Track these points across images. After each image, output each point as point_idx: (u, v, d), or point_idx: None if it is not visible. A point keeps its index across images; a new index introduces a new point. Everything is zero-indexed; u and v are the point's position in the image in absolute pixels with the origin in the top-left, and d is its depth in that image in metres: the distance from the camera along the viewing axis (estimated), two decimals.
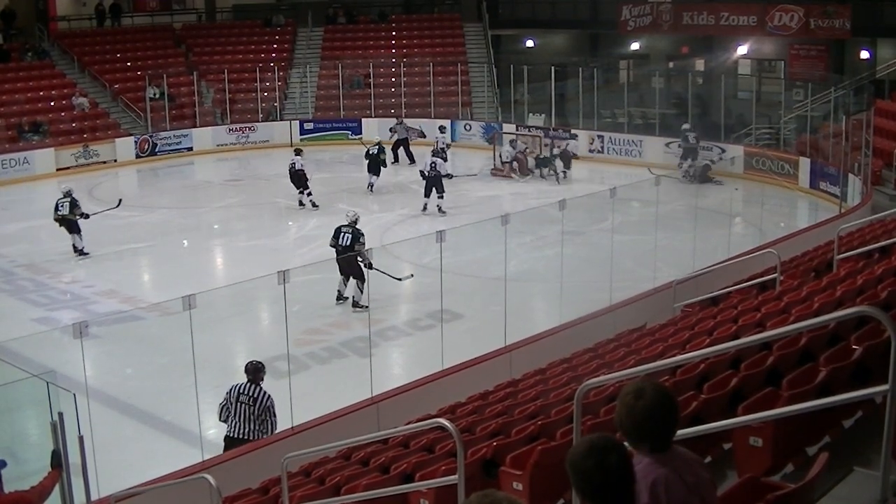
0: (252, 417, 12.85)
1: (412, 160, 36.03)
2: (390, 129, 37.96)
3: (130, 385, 16.91)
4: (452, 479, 7.64)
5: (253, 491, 11.01)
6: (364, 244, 19.98)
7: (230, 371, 16.81)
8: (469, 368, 14.79)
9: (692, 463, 4.83)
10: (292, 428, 12.99)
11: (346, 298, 20.42)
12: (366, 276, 18.85)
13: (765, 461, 6.92)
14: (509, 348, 15.43)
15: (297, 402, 13.42)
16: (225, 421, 13.05)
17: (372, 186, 31.75)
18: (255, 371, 13.08)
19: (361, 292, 19.78)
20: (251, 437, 12.82)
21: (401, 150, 37.08)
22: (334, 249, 20.28)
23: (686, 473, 4.69)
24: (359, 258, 19.40)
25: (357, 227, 20.48)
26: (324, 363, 17.51)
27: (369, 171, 31.92)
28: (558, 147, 34.14)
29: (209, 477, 9.63)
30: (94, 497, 10.92)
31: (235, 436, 12.89)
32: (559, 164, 33.39)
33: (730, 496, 5.60)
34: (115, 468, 12.96)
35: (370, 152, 31.93)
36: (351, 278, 20.23)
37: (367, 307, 18.71)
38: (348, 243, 20.06)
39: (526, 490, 7.94)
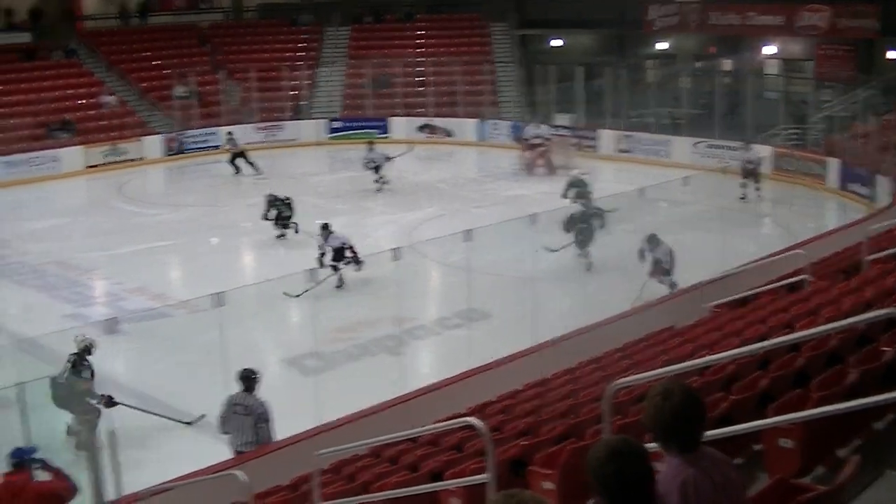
0: (247, 428, 12.56)
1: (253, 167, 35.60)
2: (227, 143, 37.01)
3: (160, 381, 16.98)
4: (481, 477, 7.67)
5: (283, 487, 11.07)
6: (91, 377, 14.57)
7: (258, 368, 16.92)
8: (498, 367, 14.81)
9: (721, 463, 4.86)
10: (322, 425, 13.04)
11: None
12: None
13: (795, 463, 6.93)
14: (539, 347, 15.44)
15: (326, 400, 13.48)
16: (227, 433, 12.80)
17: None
18: (247, 379, 12.80)
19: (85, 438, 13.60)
20: (249, 450, 12.53)
21: (240, 161, 35.68)
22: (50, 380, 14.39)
23: (715, 474, 4.73)
24: (90, 399, 14.40)
25: (89, 357, 14.73)
26: (354, 361, 17.55)
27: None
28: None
29: (239, 473, 9.70)
30: (124, 492, 10.99)
31: (237, 449, 12.66)
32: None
33: (760, 498, 5.63)
34: (144, 464, 13.07)
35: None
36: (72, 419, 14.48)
37: None
38: (65, 377, 14.45)
39: (555, 490, 7.96)
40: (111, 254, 25.58)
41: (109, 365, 15.26)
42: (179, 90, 41.55)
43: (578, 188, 25.74)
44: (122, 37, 45.95)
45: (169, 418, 14.86)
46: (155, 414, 14.70)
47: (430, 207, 29.71)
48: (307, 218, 28.16)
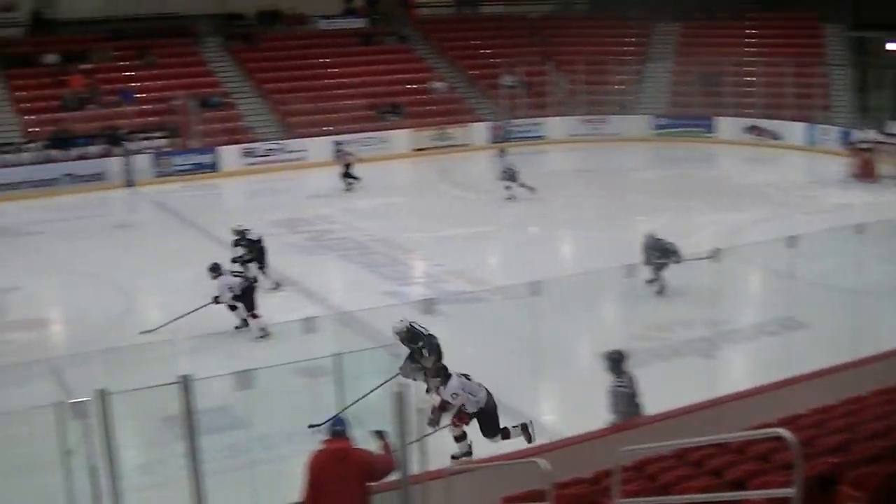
0: (632, 404, 13.17)
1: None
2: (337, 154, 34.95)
3: (471, 364, 17.28)
4: (787, 491, 7.50)
5: (583, 480, 11.10)
6: None
7: (570, 359, 17.04)
8: (812, 380, 14.40)
9: None
10: (627, 423, 13.03)
11: None
12: None
13: None
14: (857, 363, 14.92)
15: None
16: (617, 413, 13.19)
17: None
18: (620, 360, 13.31)
19: None
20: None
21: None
22: None
23: None
24: None
25: None
26: (663, 360, 17.40)
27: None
28: None
29: (541, 461, 9.77)
30: (428, 468, 11.28)
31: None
32: None
33: None
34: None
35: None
36: None
37: None
38: None
39: None
40: (433, 236, 26.31)
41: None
42: (507, 80, 42.19)
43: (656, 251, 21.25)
44: (453, 25, 47.24)
45: None
46: None
47: (754, 210, 29.05)
48: (631, 217, 28.04)
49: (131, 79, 40.45)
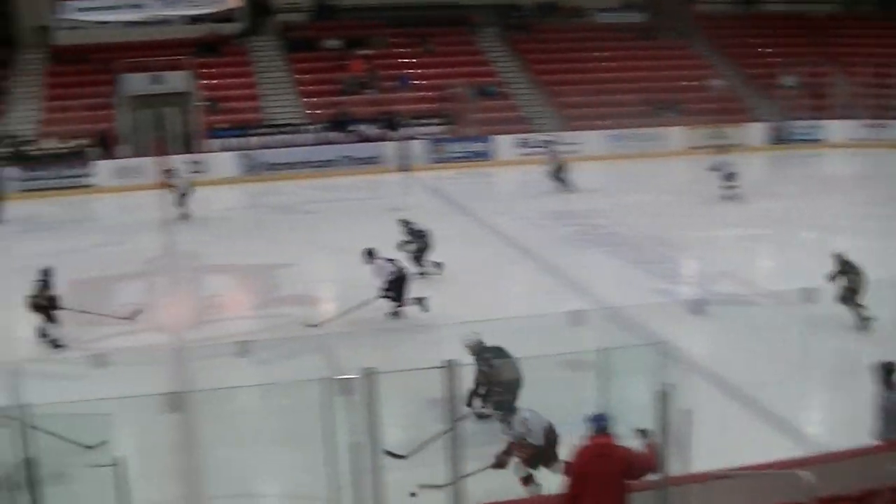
0: None
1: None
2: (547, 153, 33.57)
3: (738, 368, 16.96)
4: None
5: (848, 497, 10.80)
6: None
7: (839, 370, 16.51)
8: None
9: None
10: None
11: None
12: None
13: None
14: None
15: None
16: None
17: None
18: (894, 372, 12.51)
19: None
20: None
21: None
22: None
23: None
24: None
25: None
26: None
27: None
28: None
29: (805, 474, 9.56)
30: (690, 470, 11.16)
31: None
32: None
33: None
34: (710, 446, 13.18)
35: None
36: None
37: None
38: None
39: None
40: (705, 235, 25.94)
41: (690, 344, 15.44)
42: (787, 80, 41.25)
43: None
44: (734, 22, 46.54)
45: None
46: None
47: None
48: None
49: (409, 65, 41.57)
